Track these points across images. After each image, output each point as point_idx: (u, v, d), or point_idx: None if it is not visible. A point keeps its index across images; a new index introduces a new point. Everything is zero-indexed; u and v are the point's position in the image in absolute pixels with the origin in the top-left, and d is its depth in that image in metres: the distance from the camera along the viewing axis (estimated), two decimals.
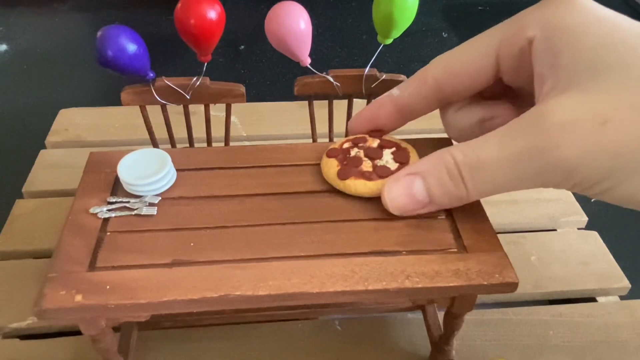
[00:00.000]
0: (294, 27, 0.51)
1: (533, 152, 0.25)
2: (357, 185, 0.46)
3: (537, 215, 0.74)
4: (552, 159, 0.24)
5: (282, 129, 0.88)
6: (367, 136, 0.51)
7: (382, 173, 0.46)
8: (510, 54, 0.30)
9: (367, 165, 0.48)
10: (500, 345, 0.58)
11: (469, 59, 0.33)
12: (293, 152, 0.53)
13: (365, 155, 0.48)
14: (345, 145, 0.50)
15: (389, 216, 0.45)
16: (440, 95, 0.35)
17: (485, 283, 0.40)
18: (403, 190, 0.36)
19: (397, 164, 0.48)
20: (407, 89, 0.37)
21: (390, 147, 0.49)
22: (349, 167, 0.47)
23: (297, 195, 0.48)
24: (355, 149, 0.49)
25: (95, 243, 0.43)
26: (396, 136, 0.56)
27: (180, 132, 0.62)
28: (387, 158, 0.48)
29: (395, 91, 0.37)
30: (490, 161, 0.29)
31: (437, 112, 0.95)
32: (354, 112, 0.62)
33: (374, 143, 0.50)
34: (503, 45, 0.31)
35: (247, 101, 0.58)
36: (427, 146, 0.54)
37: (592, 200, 0.82)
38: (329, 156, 0.50)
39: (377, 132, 0.51)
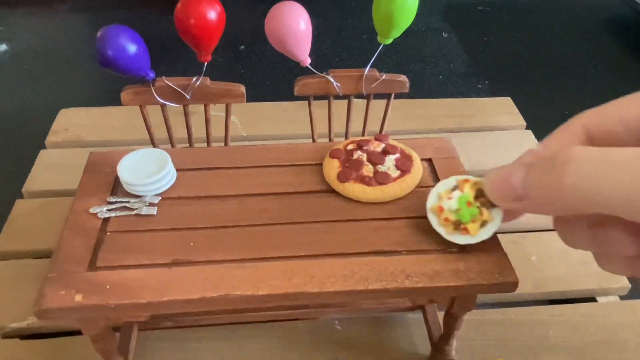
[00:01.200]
0: (294, 27, 0.51)
1: None
2: (356, 190, 0.46)
3: (537, 215, 0.74)
4: None
5: (282, 129, 0.88)
6: (372, 139, 0.51)
7: (382, 180, 0.47)
8: None
9: (368, 170, 0.48)
10: (500, 345, 0.58)
11: (624, 103, 0.30)
12: (293, 152, 0.53)
13: (368, 160, 0.48)
14: (349, 147, 0.50)
15: (389, 216, 0.45)
16: (587, 144, 0.30)
17: (485, 283, 0.40)
18: (504, 171, 0.31)
19: (398, 172, 0.48)
20: (549, 140, 0.31)
21: (394, 153, 0.49)
22: (349, 170, 0.48)
23: (297, 195, 0.48)
24: (359, 152, 0.49)
25: (95, 243, 0.43)
26: (397, 136, 0.56)
27: (180, 132, 0.62)
28: (390, 164, 0.48)
29: (536, 148, 0.31)
30: (618, 159, 0.24)
31: (437, 111, 0.95)
32: (354, 112, 0.63)
33: (379, 147, 0.50)
34: None
35: (247, 101, 0.58)
36: (427, 146, 0.54)
37: None
38: (331, 156, 0.50)
39: (383, 136, 0.51)
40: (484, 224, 0.39)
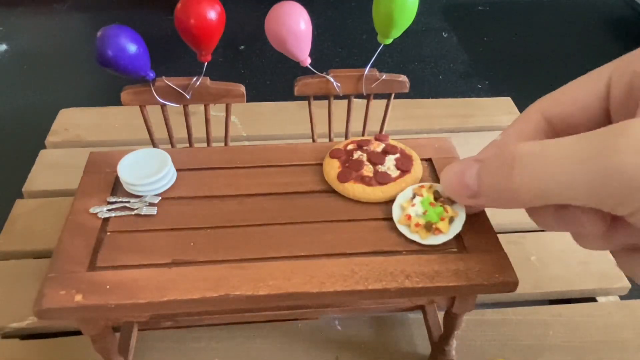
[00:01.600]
0: (294, 27, 0.51)
1: (601, 152, 0.23)
2: (356, 190, 0.46)
3: None
4: (612, 163, 0.21)
5: (282, 129, 0.88)
6: (372, 139, 0.51)
7: (382, 180, 0.46)
8: (622, 80, 0.28)
9: (368, 170, 0.48)
10: (500, 345, 0.58)
11: (577, 85, 0.31)
12: (293, 152, 0.53)
13: (368, 160, 0.48)
14: (350, 147, 0.50)
15: (389, 216, 0.45)
16: (547, 129, 0.31)
17: (485, 283, 0.40)
18: (458, 169, 0.32)
19: (398, 171, 0.48)
20: (508, 130, 0.33)
21: (394, 153, 0.49)
22: (349, 170, 0.47)
23: (297, 195, 0.48)
24: (359, 152, 0.49)
25: (95, 243, 0.43)
26: (397, 136, 0.56)
27: (180, 132, 0.62)
28: (390, 164, 0.48)
29: (497, 138, 0.33)
30: (557, 153, 0.25)
31: (437, 111, 0.95)
32: (354, 112, 0.63)
33: (379, 147, 0.50)
34: (616, 71, 0.28)
35: (247, 101, 0.58)
36: (427, 146, 0.54)
37: None
38: (331, 156, 0.50)
39: (383, 136, 0.51)
40: (451, 219, 0.41)
